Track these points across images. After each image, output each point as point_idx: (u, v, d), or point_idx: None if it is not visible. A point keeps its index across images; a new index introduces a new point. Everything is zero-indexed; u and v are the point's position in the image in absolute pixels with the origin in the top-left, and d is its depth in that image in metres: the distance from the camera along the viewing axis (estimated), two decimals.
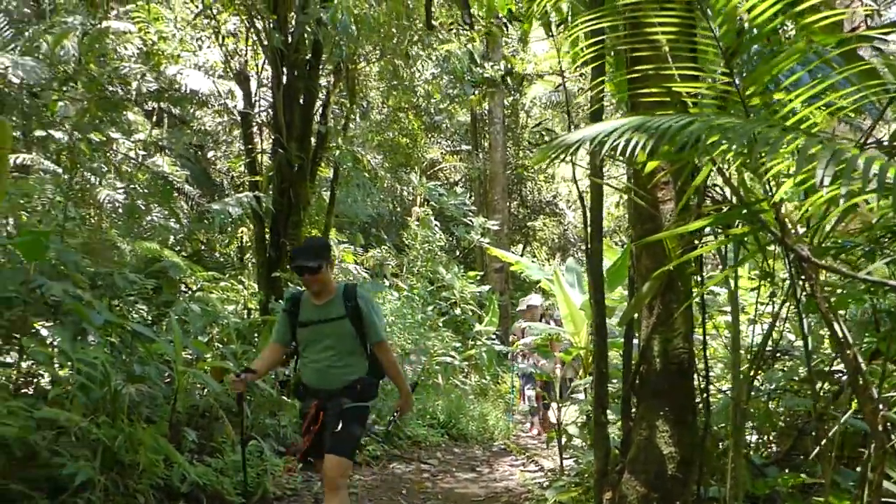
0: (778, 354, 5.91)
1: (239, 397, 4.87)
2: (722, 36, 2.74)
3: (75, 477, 4.74)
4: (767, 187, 2.91)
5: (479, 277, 14.66)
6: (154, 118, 14.95)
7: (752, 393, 5.84)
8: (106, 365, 5.31)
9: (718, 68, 3.07)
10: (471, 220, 15.10)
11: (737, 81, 2.96)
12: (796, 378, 5.67)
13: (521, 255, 22.66)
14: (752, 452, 5.52)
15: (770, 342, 6.33)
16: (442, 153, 20.62)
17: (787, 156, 2.46)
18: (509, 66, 12.95)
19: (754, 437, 6.10)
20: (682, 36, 2.85)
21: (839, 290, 3.69)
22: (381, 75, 11.29)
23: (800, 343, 5.98)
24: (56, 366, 6.00)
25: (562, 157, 2.61)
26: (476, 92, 14.80)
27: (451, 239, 16.59)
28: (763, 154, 2.60)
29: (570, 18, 5.40)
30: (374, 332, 4.57)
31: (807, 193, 3.14)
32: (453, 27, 9.03)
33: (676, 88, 2.81)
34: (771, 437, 6.16)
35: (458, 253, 17.70)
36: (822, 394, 5.19)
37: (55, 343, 5.74)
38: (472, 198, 18.60)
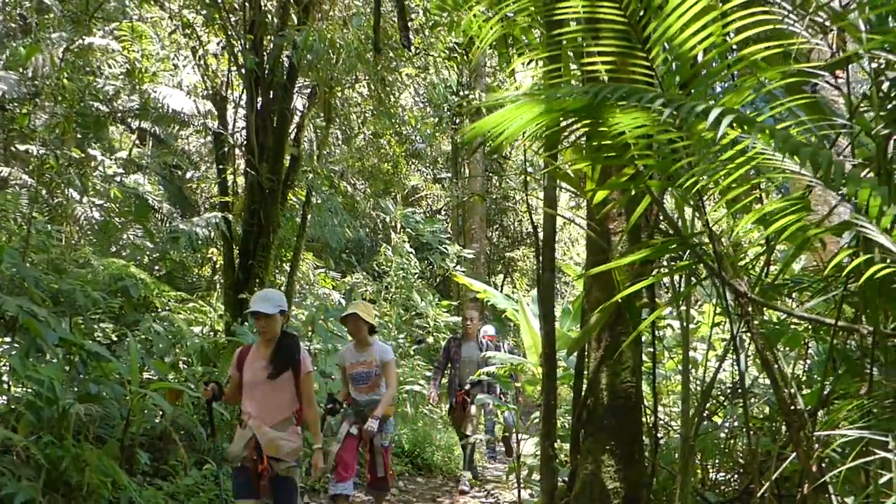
0: (739, 391, 5.87)
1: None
2: (661, 66, 2.73)
3: (15, 497, 4.64)
4: (706, 219, 2.88)
5: (453, 307, 14.59)
6: (135, 136, 14.96)
7: (712, 430, 5.83)
8: (54, 383, 5.21)
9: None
10: (446, 248, 15.05)
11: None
12: (758, 416, 5.63)
13: (502, 285, 22.68)
14: (708, 490, 5.45)
15: (730, 378, 6.33)
16: (424, 180, 20.62)
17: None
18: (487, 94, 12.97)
19: (719, 475, 6.04)
20: (622, 64, 2.83)
21: (774, 327, 3.64)
22: (359, 100, 11.28)
23: (762, 379, 5.96)
24: (9, 383, 5.91)
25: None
26: (457, 121, 14.81)
27: (430, 266, 16.53)
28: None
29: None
30: None
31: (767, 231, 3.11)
32: (417, 52, 9.00)
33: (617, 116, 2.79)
34: (733, 475, 6.10)
35: (435, 281, 17.61)
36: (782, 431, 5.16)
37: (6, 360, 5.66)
38: (450, 226, 18.58)
